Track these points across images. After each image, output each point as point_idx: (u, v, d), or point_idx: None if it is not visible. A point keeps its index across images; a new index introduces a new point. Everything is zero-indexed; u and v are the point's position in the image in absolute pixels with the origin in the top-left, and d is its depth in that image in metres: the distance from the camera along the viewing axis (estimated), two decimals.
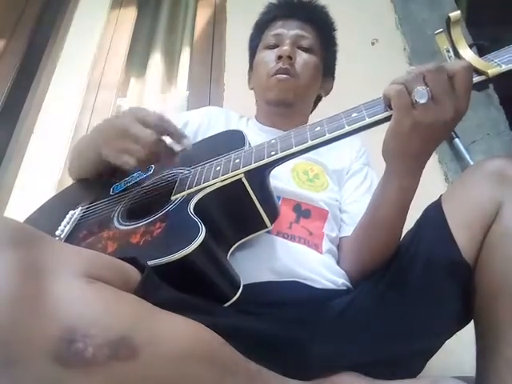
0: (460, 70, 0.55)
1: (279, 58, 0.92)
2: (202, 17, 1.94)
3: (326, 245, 0.78)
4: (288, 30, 0.97)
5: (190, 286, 0.54)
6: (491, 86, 1.53)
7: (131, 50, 1.89)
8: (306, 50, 0.96)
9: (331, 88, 1.08)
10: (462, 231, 0.66)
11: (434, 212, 0.71)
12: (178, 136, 0.69)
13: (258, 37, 1.05)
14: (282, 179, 0.80)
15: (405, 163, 0.62)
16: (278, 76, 0.92)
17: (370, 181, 0.90)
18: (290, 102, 0.95)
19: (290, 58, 0.92)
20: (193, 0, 2.04)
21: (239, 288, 0.60)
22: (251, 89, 1.08)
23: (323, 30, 1.01)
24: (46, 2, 2.03)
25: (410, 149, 0.59)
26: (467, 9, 2.03)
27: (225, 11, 1.88)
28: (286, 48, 0.92)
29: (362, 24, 1.73)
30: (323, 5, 1.04)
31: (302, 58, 0.95)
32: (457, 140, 1.41)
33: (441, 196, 0.74)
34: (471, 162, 1.35)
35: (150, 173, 0.80)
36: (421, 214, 0.75)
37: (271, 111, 0.98)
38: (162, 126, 0.67)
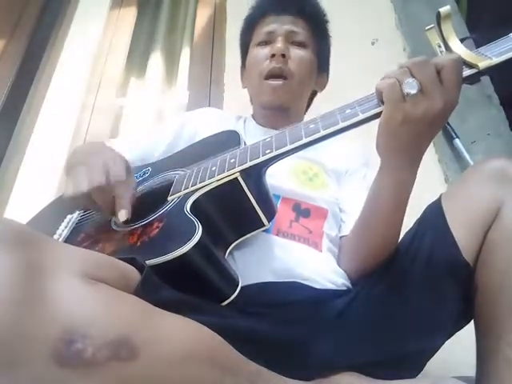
0: (448, 63, 0.55)
1: (272, 56, 0.90)
2: (202, 17, 1.94)
3: (325, 243, 0.77)
4: (280, 25, 0.94)
5: (188, 285, 0.54)
6: (491, 87, 1.52)
7: (131, 50, 1.89)
8: (299, 44, 0.94)
9: (326, 83, 1.06)
10: (463, 231, 0.66)
11: (434, 212, 0.71)
12: (120, 205, 0.63)
13: (249, 33, 1.01)
14: (281, 179, 0.80)
15: (398, 157, 0.62)
16: (272, 83, 0.90)
17: (369, 181, 0.90)
18: (286, 106, 0.93)
19: (283, 55, 0.90)
20: (193, 0, 2.05)
21: (237, 286, 0.60)
22: (244, 87, 1.06)
23: (315, 24, 0.98)
24: (45, 2, 2.03)
25: (403, 142, 0.59)
26: (468, 10, 2.03)
27: (225, 11, 1.88)
28: (279, 46, 0.90)
29: (362, 24, 1.73)
30: None
31: (295, 53, 0.92)
32: (457, 140, 1.41)
33: (441, 195, 0.74)
34: (471, 162, 1.35)
35: (146, 175, 0.81)
36: (421, 213, 0.75)
37: (267, 113, 0.97)
38: (118, 186, 0.63)
